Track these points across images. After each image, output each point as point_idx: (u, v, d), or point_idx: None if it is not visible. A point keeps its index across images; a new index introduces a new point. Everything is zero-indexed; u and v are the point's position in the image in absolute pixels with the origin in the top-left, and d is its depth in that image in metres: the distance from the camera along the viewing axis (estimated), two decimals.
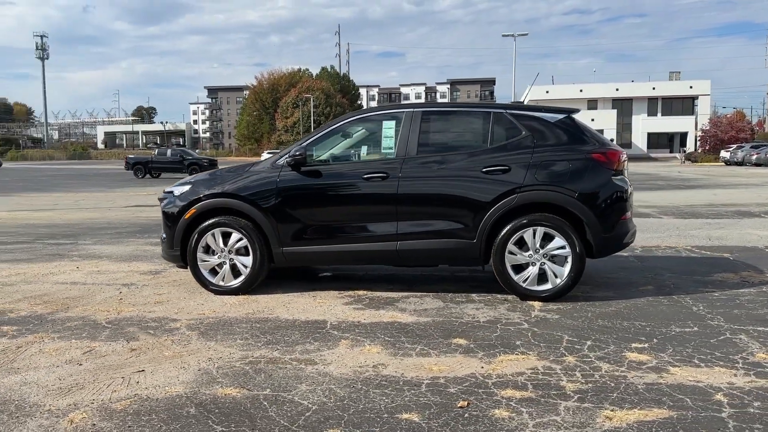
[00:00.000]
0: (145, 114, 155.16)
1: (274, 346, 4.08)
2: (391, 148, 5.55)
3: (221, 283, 5.62)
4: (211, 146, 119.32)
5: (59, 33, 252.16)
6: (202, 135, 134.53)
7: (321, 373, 3.55)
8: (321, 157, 5.70)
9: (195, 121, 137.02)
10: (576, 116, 5.58)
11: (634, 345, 4.01)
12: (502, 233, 5.18)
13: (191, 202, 5.65)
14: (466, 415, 2.96)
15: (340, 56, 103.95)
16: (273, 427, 2.85)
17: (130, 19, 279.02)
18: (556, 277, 5.19)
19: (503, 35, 49.37)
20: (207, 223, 5.59)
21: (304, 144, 5.62)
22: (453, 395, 3.20)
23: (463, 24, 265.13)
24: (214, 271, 5.65)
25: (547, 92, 66.31)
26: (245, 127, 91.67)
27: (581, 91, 66.60)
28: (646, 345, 4.01)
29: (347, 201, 5.48)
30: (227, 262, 5.60)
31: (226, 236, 5.59)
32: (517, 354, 3.85)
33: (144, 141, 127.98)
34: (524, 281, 5.22)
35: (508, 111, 5.49)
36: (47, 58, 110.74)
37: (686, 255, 7.53)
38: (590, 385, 3.33)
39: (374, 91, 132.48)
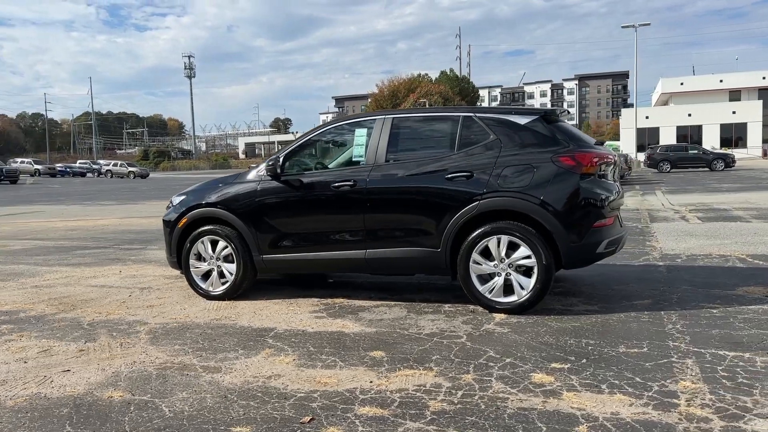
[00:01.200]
0: (281, 125, 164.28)
1: (201, 352, 4.24)
2: (361, 157, 5.54)
3: (209, 289, 5.91)
4: None
5: (207, 52, 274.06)
6: None
7: (212, 381, 3.66)
8: (297, 167, 5.80)
9: None
10: (553, 117, 5.24)
11: (553, 365, 3.71)
12: (466, 242, 4.99)
13: (184, 211, 6.01)
14: (306, 428, 2.93)
15: (460, 58, 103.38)
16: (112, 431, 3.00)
17: (270, 36, 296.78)
18: (522, 288, 4.91)
19: (623, 26, 46.19)
20: (197, 231, 5.92)
21: (281, 154, 5.77)
22: (309, 409, 3.17)
23: (598, 16, 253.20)
24: (206, 277, 5.95)
25: (682, 84, 61.62)
26: None
27: (721, 81, 60.99)
28: (567, 366, 3.69)
29: (319, 209, 5.55)
30: (215, 269, 5.88)
31: (214, 244, 5.88)
32: (421, 369, 3.72)
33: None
34: (490, 292, 4.99)
35: (476, 114, 5.28)
36: (194, 77, 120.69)
37: (731, 265, 6.77)
38: (457, 406, 3.15)
39: (496, 92, 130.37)
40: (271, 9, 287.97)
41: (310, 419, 3.03)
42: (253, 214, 5.69)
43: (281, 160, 5.67)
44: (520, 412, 3.05)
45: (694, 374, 3.48)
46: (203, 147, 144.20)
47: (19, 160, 57.86)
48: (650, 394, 3.22)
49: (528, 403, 3.15)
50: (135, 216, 16.70)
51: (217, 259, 5.86)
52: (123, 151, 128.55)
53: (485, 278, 5.03)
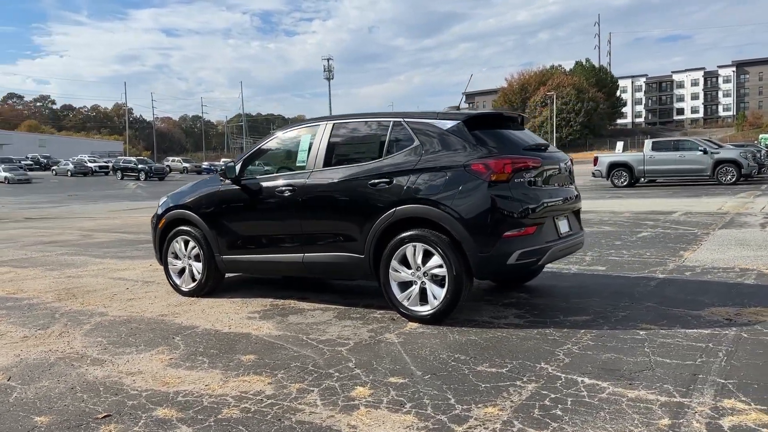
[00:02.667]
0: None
1: (111, 346, 4.62)
2: (304, 162, 5.66)
3: (182, 287, 6.34)
4: None
5: (349, 54, 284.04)
6: None
7: (82, 374, 4.00)
8: (257, 171, 6.03)
9: None
10: (482, 121, 5.01)
11: (390, 379, 3.63)
12: (386, 249, 4.95)
13: (163, 212, 6.49)
14: (92, 424, 3.16)
15: (599, 47, 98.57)
16: None
17: (408, 35, 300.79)
18: (434, 298, 4.79)
19: None
20: (173, 231, 6.37)
21: (240, 158, 6.04)
22: (121, 406, 3.39)
23: None
24: (181, 274, 6.39)
25: None
26: None
27: None
28: (400, 381, 3.60)
29: (266, 213, 5.75)
30: (187, 267, 6.30)
31: (186, 243, 6.30)
32: (263, 375, 3.81)
33: None
34: (407, 300, 4.92)
35: (405, 119, 5.18)
36: (332, 78, 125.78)
37: (739, 281, 6.05)
38: (248, 415, 3.21)
39: (641, 81, 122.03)
40: (410, 8, 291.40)
41: (105, 416, 3.25)
42: (214, 217, 6.02)
43: (238, 164, 5.94)
44: (296, 425, 3.05)
45: (514, 401, 3.24)
46: None
47: (171, 158, 63.96)
48: (443, 417, 3.07)
49: (313, 417, 3.14)
50: None
51: (188, 258, 6.27)
52: None
53: (405, 286, 4.95)
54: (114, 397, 3.55)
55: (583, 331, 4.51)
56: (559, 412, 3.08)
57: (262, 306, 5.73)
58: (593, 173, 25.93)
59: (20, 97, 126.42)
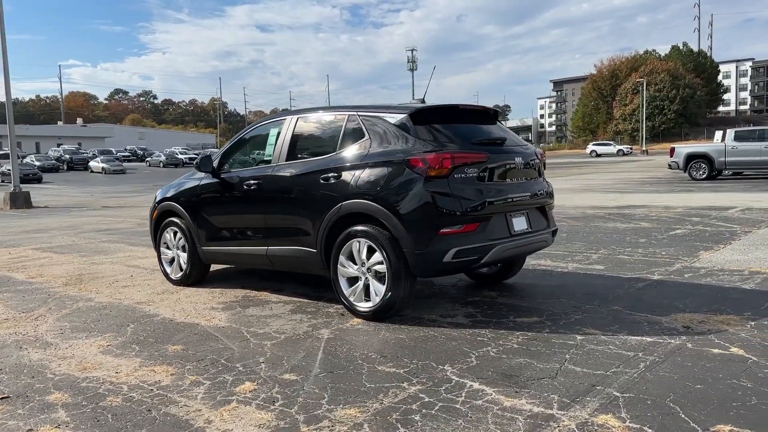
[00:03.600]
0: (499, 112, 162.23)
1: (70, 331, 4.88)
2: (270, 156, 5.73)
3: (172, 275, 6.61)
4: (555, 140, 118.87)
5: (436, 44, 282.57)
6: (548, 129, 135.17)
7: (23, 356, 4.25)
8: (236, 164, 6.15)
9: (542, 116, 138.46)
10: (427, 115, 4.87)
11: (286, 376, 3.65)
12: (335, 244, 4.95)
13: (156, 204, 6.78)
14: None
15: (699, 30, 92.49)
16: None
17: (498, 22, 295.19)
18: (376, 294, 4.74)
19: None
20: (164, 222, 6.65)
21: (220, 151, 6.20)
22: (28, 388, 3.60)
23: None
24: (171, 263, 6.65)
25: None
26: (580, 118, 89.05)
27: None
28: (295, 378, 3.59)
29: (237, 206, 5.87)
30: (176, 257, 6.56)
31: (175, 234, 6.55)
32: (173, 366, 3.91)
33: None
34: (353, 295, 4.90)
35: (359, 113, 5.13)
36: (416, 69, 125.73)
37: (736, 286, 5.59)
38: (127, 404, 3.32)
39: (746, 66, 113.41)
40: None
41: (3, 397, 3.46)
42: (196, 209, 6.22)
43: (217, 157, 6.10)
44: (159, 416, 3.13)
45: (383, 404, 3.16)
46: None
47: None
48: (300, 416, 3.05)
49: (181, 410, 3.20)
50: None
51: (177, 248, 6.52)
52: None
53: (352, 281, 4.93)
54: (29, 379, 3.77)
55: (518, 333, 4.32)
56: (417, 418, 2.98)
57: (234, 297, 5.87)
58: (669, 165, 24.47)
59: (126, 93, 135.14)
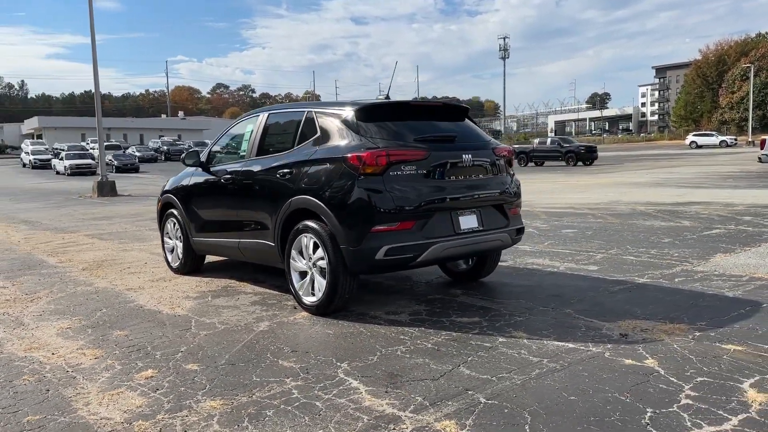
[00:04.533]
0: (597, 100, 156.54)
1: (46, 313, 5.29)
2: (245, 151, 5.91)
3: (172, 264, 6.99)
4: (657, 129, 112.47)
5: (533, 30, 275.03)
6: (649, 118, 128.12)
7: None
8: (215, 158, 6.38)
9: (643, 104, 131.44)
10: (374, 111, 4.86)
11: (189, 366, 3.81)
12: (288, 238, 5.08)
13: (161, 195, 7.17)
14: None
15: None
16: None
17: (600, 6, 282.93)
18: (319, 290, 4.82)
19: None
20: (165, 213, 7.04)
21: (209, 145, 6.47)
22: None
23: None
24: (172, 252, 7.03)
25: None
26: (682, 107, 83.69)
27: None
28: (196, 368, 3.75)
29: (217, 199, 6.12)
30: (175, 246, 6.93)
31: (174, 225, 6.92)
32: (101, 349, 4.19)
33: (591, 128, 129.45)
34: (302, 290, 5.01)
35: (314, 109, 5.20)
36: (508, 57, 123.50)
37: (712, 292, 5.19)
38: (30, 380, 3.61)
39: None
40: None
41: None
42: (187, 201, 6.54)
43: (206, 152, 6.37)
44: (52, 398, 3.38)
45: (252, 397, 3.25)
46: (514, 127, 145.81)
47: None
48: (168, 404, 3.20)
49: (72, 391, 3.44)
50: None
51: (176, 238, 6.88)
52: None
53: (302, 275, 5.03)
54: None
55: (445, 333, 4.26)
56: (270, 413, 3.05)
57: (216, 287, 6.12)
58: (759, 158, 22.72)
59: (227, 87, 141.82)
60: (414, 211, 4.52)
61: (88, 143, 50.60)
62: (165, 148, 51.51)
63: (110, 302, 5.61)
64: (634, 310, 4.67)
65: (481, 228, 4.89)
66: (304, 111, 5.31)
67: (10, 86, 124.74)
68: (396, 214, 4.47)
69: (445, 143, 4.88)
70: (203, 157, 6.36)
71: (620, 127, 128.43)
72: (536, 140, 39.95)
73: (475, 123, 5.50)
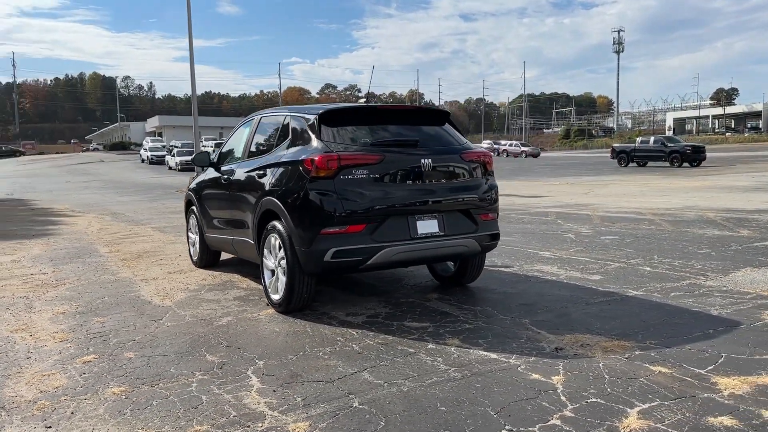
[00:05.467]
0: (723, 96, 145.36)
1: (56, 299, 5.86)
2: (240, 153, 6.20)
3: (193, 257, 7.46)
4: None
5: (653, 21, 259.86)
6: None
7: None
8: (223, 159, 6.71)
9: None
10: (336, 116, 4.96)
11: (127, 354, 4.11)
12: (261, 238, 5.31)
13: (186, 192, 7.66)
14: None
15: None
16: None
17: None
18: (282, 289, 5.00)
19: None
20: (188, 209, 7.52)
21: (222, 146, 6.84)
22: None
23: None
24: (194, 246, 7.49)
25: None
26: None
27: None
28: (135, 356, 4.05)
29: (219, 198, 6.46)
30: (195, 241, 7.39)
31: (194, 221, 7.37)
32: (73, 335, 4.59)
33: (714, 126, 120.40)
34: (270, 287, 5.21)
35: (291, 113, 5.38)
36: (622, 51, 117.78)
37: (697, 309, 4.86)
38: None
39: None
40: None
41: None
42: (201, 198, 6.97)
43: (217, 152, 6.75)
44: None
45: (122, 390, 3.48)
46: (629, 124, 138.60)
47: None
48: (49, 389, 3.49)
49: (9, 370, 3.84)
50: None
51: (195, 233, 7.33)
52: (549, 130, 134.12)
53: (272, 273, 5.23)
54: None
55: (383, 337, 4.31)
56: (155, 403, 3.26)
57: (219, 281, 6.48)
58: None
59: (334, 87, 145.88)
60: (364, 214, 4.57)
61: (201, 141, 53.88)
62: None
63: (116, 291, 6.09)
64: (593, 324, 4.46)
65: (441, 233, 4.84)
66: (283, 115, 5.50)
67: (140, 87, 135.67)
68: (345, 217, 4.54)
69: (404, 148, 4.88)
70: (215, 158, 6.72)
71: (748, 125, 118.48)
72: (639, 139, 37.74)
73: (455, 128, 5.45)
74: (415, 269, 6.52)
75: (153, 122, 77.48)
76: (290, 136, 5.18)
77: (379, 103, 5.30)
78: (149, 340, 4.40)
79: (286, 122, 5.36)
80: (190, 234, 7.52)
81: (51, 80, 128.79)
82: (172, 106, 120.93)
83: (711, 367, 3.53)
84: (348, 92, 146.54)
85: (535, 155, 57.85)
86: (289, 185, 4.80)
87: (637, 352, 3.82)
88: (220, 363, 3.85)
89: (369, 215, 4.58)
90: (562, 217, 11.46)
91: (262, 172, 5.30)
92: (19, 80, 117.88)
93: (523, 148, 59.33)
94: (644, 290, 5.48)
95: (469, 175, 5.08)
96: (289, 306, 4.93)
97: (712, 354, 3.75)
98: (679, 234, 8.87)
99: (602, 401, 3.10)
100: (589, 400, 3.11)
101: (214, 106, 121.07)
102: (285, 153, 5.10)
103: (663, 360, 3.67)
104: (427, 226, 4.81)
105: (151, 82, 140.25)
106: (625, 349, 3.90)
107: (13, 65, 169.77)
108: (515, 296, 5.40)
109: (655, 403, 3.05)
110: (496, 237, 5.23)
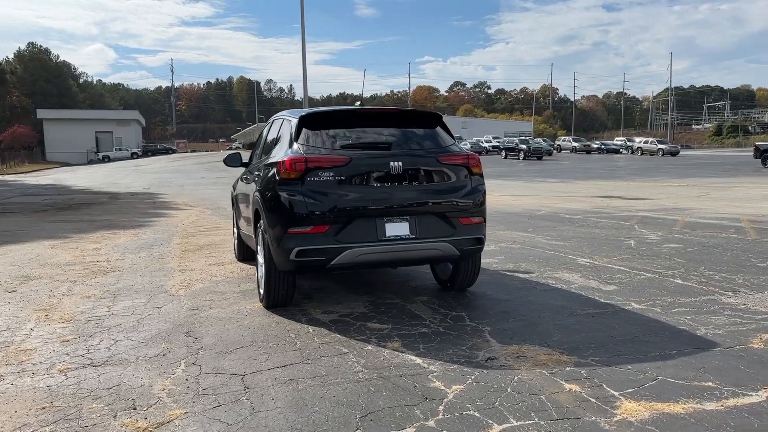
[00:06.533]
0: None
1: (94, 278, 6.58)
2: (259, 154, 6.54)
3: (235, 252, 7.98)
4: None
5: None
6: None
7: (32, 274, 6.05)
8: (251, 159, 7.08)
9: None
10: (317, 119, 5.18)
11: (99, 338, 4.57)
12: (256, 234, 5.62)
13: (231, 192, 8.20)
14: None
15: None
16: None
17: None
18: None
19: None
20: (232, 206, 8.06)
21: (254, 148, 7.26)
22: None
23: None
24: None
25: None
26: None
27: None
28: (107, 338, 4.50)
29: (240, 195, 6.88)
30: (236, 235, 7.90)
31: (235, 217, 7.89)
32: (69, 316, 5.17)
33: None
34: (259, 282, 5.50)
35: (285, 117, 5.65)
36: None
37: (682, 327, 4.44)
38: None
39: None
40: None
41: None
42: (235, 196, 7.45)
43: (250, 153, 7.18)
44: None
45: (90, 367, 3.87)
46: None
47: (563, 138, 64.98)
48: (21, 368, 3.97)
49: None
50: (575, 195, 17.92)
51: (236, 229, 7.84)
52: (699, 126, 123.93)
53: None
54: None
55: (330, 336, 4.41)
56: (90, 374, 3.62)
57: (244, 274, 6.88)
58: None
59: (463, 84, 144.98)
60: (328, 215, 4.68)
61: None
62: None
63: (149, 280, 6.67)
64: (552, 337, 4.26)
65: (413, 236, 4.83)
66: (283, 118, 5.76)
67: (281, 90, 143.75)
68: (310, 217, 4.69)
69: (376, 150, 4.92)
70: (246, 158, 7.15)
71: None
72: None
73: (447, 130, 5.40)
74: (424, 270, 6.50)
75: None
76: (280, 139, 5.42)
77: (365, 106, 5.36)
78: (132, 326, 4.82)
79: (283, 125, 5.61)
80: (234, 229, 8.03)
81: (203, 84, 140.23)
82: (309, 107, 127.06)
83: (630, 390, 3.27)
84: (477, 89, 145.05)
85: (674, 153, 53.84)
86: (268, 186, 5.03)
87: (567, 369, 3.62)
88: (166, 350, 4.17)
89: (334, 216, 4.69)
90: (642, 222, 10.73)
91: (258, 172, 5.60)
92: (176, 84, 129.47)
93: (660, 146, 55.39)
94: (649, 304, 5.09)
95: (446, 177, 5.01)
96: (269, 301, 5.17)
97: (647, 376, 3.46)
98: (755, 245, 8.03)
99: (478, 414, 3.01)
100: (465, 412, 3.03)
101: (347, 106, 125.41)
102: (276, 154, 5.34)
103: (585, 378, 3.46)
104: (397, 228, 4.82)
105: (291, 85, 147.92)
106: (558, 363, 3.70)
107: (172, 71, 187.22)
108: (503, 303, 5.24)
109: (529, 422, 2.91)
110: (479, 242, 5.11)
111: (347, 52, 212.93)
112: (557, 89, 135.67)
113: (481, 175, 5.23)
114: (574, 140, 61.63)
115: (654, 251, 7.72)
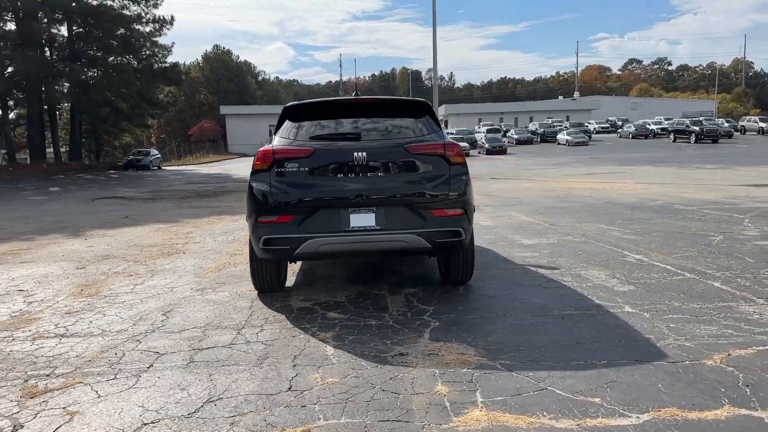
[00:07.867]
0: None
1: (115, 255, 7.34)
2: None
3: None
4: None
5: None
6: None
7: (60, 252, 6.91)
8: None
9: None
10: (300, 110, 5.29)
11: (102, 312, 5.15)
12: None
13: None
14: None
15: None
16: None
17: None
18: None
19: None
20: None
21: None
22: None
23: None
24: None
25: None
26: None
27: None
28: (104, 314, 5.08)
29: None
30: None
31: None
32: (81, 294, 5.86)
33: None
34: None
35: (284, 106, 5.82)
36: None
37: (653, 336, 3.96)
38: None
39: None
40: None
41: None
42: None
43: None
44: None
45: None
46: None
47: (750, 118, 57.52)
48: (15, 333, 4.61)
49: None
50: (719, 183, 15.76)
51: None
52: None
53: None
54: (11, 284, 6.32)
55: (287, 325, 4.55)
56: (51, 343, 4.15)
57: None
58: None
59: (639, 62, 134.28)
60: (292, 205, 4.81)
61: (479, 127, 55.47)
62: (541, 130, 53.07)
63: (197, 263, 7.27)
64: (493, 336, 4.05)
65: (378, 228, 4.79)
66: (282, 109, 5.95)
67: (441, 78, 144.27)
68: (276, 207, 4.85)
69: (342, 141, 4.92)
70: None
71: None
72: None
73: (434, 119, 5.24)
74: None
75: (441, 111, 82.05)
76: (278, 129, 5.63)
77: (346, 97, 5.35)
78: (135, 302, 5.36)
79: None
80: None
81: (369, 77, 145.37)
82: (468, 94, 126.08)
83: (499, 399, 3.04)
84: (655, 66, 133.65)
85: None
86: (250, 176, 5.27)
87: (462, 370, 3.45)
88: (129, 327, 4.59)
89: (298, 206, 4.81)
90: (760, 216, 9.39)
91: None
92: (344, 78, 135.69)
93: None
94: (643, 308, 4.58)
95: (416, 168, 4.87)
96: (257, 285, 5.44)
97: (536, 386, 3.18)
98: None
99: (317, 408, 2.98)
100: (309, 405, 3.02)
101: (508, 91, 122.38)
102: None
103: (466, 382, 3.28)
104: (362, 219, 4.81)
105: (451, 72, 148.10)
106: (460, 364, 3.53)
107: (340, 65, 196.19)
108: (483, 299, 5.01)
109: (344, 421, 2.83)
110: (455, 234, 4.90)
111: (514, 35, 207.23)
112: (752, 63, 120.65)
113: (463, 165, 5.01)
114: (761, 120, 54.20)
115: (732, 249, 6.78)
